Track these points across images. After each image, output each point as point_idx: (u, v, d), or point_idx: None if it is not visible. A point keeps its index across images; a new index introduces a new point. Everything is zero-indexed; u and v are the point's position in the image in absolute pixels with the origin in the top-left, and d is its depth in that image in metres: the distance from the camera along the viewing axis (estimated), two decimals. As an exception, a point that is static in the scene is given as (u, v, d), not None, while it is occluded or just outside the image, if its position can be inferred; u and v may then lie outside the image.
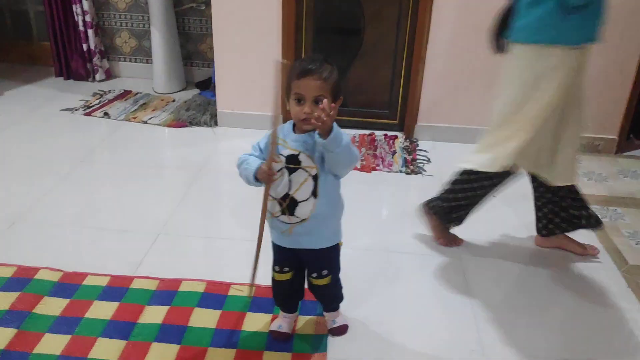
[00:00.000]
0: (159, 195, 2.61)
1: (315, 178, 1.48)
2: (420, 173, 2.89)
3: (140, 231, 2.29)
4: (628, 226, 2.46)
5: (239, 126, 3.32)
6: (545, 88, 1.83)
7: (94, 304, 1.87)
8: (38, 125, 3.30)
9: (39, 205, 2.47)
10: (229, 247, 2.23)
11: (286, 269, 1.66)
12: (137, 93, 3.86)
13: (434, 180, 2.83)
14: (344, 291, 1.78)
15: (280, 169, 1.47)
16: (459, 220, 2.23)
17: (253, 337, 1.76)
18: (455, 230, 2.29)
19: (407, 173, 2.89)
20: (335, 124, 1.39)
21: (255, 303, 1.89)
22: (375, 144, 3.18)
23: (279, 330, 1.75)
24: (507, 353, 1.76)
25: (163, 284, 1.97)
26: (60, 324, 1.77)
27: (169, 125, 3.36)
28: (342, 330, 1.79)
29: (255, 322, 1.81)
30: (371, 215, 2.52)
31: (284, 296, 1.75)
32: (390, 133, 3.32)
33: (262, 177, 1.44)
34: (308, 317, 1.84)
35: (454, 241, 2.29)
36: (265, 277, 1.94)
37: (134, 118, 3.44)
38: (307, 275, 1.69)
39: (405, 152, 3.10)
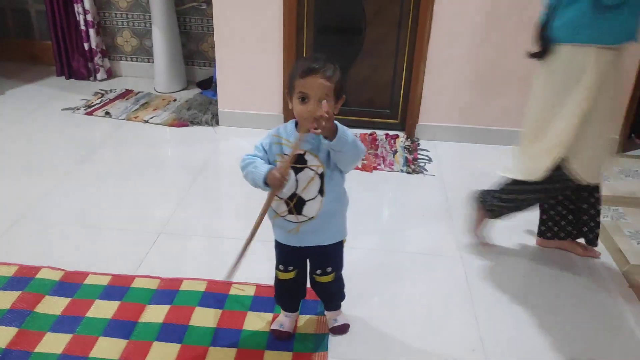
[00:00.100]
0: (160, 194, 2.61)
1: (321, 176, 1.48)
2: (422, 172, 2.89)
3: (141, 230, 2.30)
4: (629, 225, 2.46)
5: (240, 125, 3.33)
6: (580, 89, 1.80)
7: (95, 303, 1.87)
8: (39, 125, 3.30)
9: (40, 204, 2.47)
10: (230, 247, 2.22)
11: (290, 267, 1.66)
12: (139, 92, 3.86)
13: (435, 179, 2.83)
14: (345, 290, 1.78)
15: None
16: (499, 214, 2.18)
17: (254, 336, 1.76)
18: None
19: (409, 172, 2.89)
20: (338, 124, 1.39)
21: (256, 302, 1.89)
22: (377, 144, 3.18)
23: (280, 329, 1.75)
24: (508, 352, 1.76)
25: (164, 283, 1.98)
26: (62, 323, 1.78)
27: (170, 125, 3.36)
28: (343, 329, 1.79)
29: (256, 322, 1.81)
30: (372, 214, 2.52)
31: (287, 295, 1.75)
32: (391, 132, 3.32)
33: (274, 183, 1.42)
34: (309, 316, 1.84)
35: (485, 241, 2.26)
36: (265, 276, 1.95)
37: (135, 117, 3.44)
38: (311, 273, 1.70)
39: (406, 151, 3.10)
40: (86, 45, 3.93)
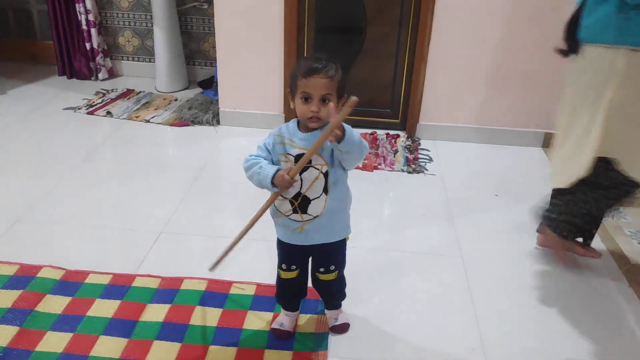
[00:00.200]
0: (161, 193, 2.62)
1: (325, 175, 1.49)
2: (422, 172, 2.89)
3: (142, 230, 2.30)
4: (630, 225, 2.46)
5: (241, 125, 3.33)
6: (611, 92, 1.75)
7: (95, 302, 1.87)
8: (41, 124, 3.31)
9: (41, 203, 2.47)
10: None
11: (293, 267, 1.66)
12: (140, 92, 3.87)
13: (436, 179, 2.83)
14: (346, 290, 1.78)
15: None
16: (573, 233, 2.12)
17: (254, 335, 1.76)
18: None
19: (409, 172, 2.89)
20: (345, 125, 1.39)
21: (257, 301, 1.89)
22: (377, 143, 3.18)
23: (281, 328, 1.75)
24: (508, 352, 1.76)
25: (165, 282, 1.98)
26: (62, 322, 1.78)
27: (172, 124, 3.36)
28: (343, 328, 1.80)
29: (257, 321, 1.82)
30: (373, 214, 2.52)
31: (289, 295, 1.75)
32: (392, 132, 3.32)
33: (281, 184, 1.43)
34: (309, 316, 1.84)
35: (573, 260, 2.20)
36: (265, 275, 1.95)
37: (137, 117, 3.44)
38: (313, 271, 1.70)
39: (407, 151, 3.10)
40: (88, 45, 3.94)
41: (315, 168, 1.48)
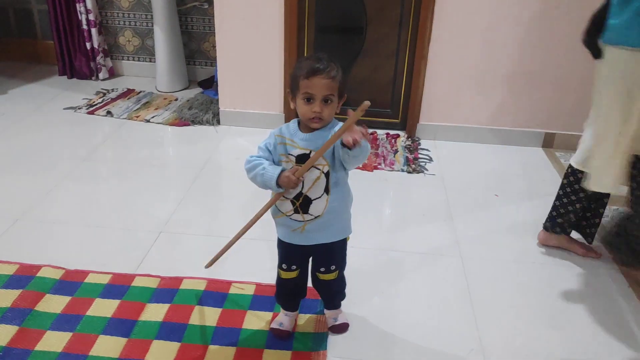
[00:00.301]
0: (161, 193, 2.62)
1: (327, 175, 1.49)
2: (422, 172, 2.89)
3: (142, 229, 2.30)
4: (630, 226, 2.46)
5: (241, 125, 3.33)
6: (635, 94, 1.71)
7: (95, 301, 1.88)
8: (41, 124, 3.31)
9: (41, 203, 2.48)
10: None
11: (294, 267, 1.66)
12: (140, 92, 3.87)
13: (436, 179, 2.83)
14: (345, 289, 1.78)
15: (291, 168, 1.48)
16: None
17: (253, 335, 1.76)
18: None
19: (409, 172, 2.89)
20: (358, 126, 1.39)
21: (256, 301, 1.90)
22: (377, 143, 3.18)
23: (280, 328, 1.75)
24: (507, 352, 1.76)
25: (164, 282, 1.98)
26: (62, 322, 1.78)
27: (172, 124, 3.37)
28: (342, 328, 1.80)
29: (256, 320, 1.82)
30: (372, 214, 2.52)
31: (288, 294, 1.75)
32: (392, 132, 3.32)
33: (287, 185, 1.44)
34: (309, 315, 1.84)
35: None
36: (264, 275, 1.95)
37: (137, 117, 3.44)
38: (314, 271, 1.70)
39: (407, 151, 3.10)
40: (88, 45, 3.94)
41: (317, 168, 1.48)
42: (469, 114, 3.21)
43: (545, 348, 1.78)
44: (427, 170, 2.92)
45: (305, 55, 3.18)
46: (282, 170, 1.45)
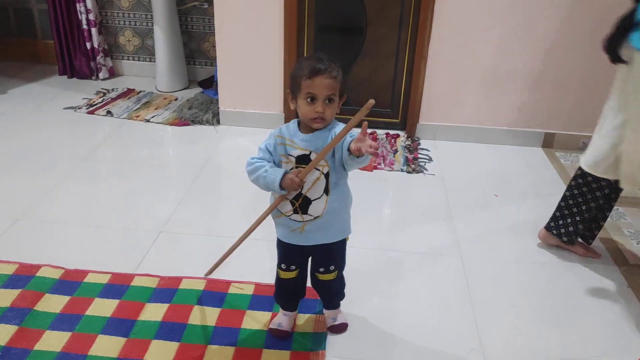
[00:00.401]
0: (160, 193, 2.62)
1: (327, 176, 1.48)
2: (422, 172, 2.89)
3: (141, 229, 2.30)
4: (629, 225, 2.45)
5: (241, 124, 3.33)
6: None
7: (94, 301, 1.88)
8: (41, 123, 3.31)
9: (41, 202, 2.48)
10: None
11: (293, 267, 1.66)
12: (140, 91, 3.87)
13: (436, 179, 2.83)
14: (345, 290, 1.78)
15: (291, 169, 1.47)
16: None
17: (252, 335, 1.76)
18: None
19: (409, 172, 2.89)
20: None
21: (255, 301, 1.89)
22: (377, 143, 3.17)
23: (279, 328, 1.75)
24: (507, 353, 1.75)
25: (163, 281, 1.98)
26: (61, 321, 1.78)
27: (172, 124, 3.37)
28: (341, 328, 1.79)
29: (255, 320, 1.82)
30: (372, 214, 2.52)
31: (287, 294, 1.75)
32: (392, 132, 3.32)
33: (291, 187, 1.44)
34: (308, 315, 1.84)
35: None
36: (263, 275, 1.95)
37: (137, 116, 3.44)
38: (313, 271, 1.70)
39: (406, 151, 3.10)
40: (88, 45, 3.94)
41: (317, 169, 1.47)
42: (469, 114, 3.20)
43: (545, 348, 1.78)
44: (426, 170, 2.91)
45: (305, 55, 3.18)
46: (285, 173, 1.45)
